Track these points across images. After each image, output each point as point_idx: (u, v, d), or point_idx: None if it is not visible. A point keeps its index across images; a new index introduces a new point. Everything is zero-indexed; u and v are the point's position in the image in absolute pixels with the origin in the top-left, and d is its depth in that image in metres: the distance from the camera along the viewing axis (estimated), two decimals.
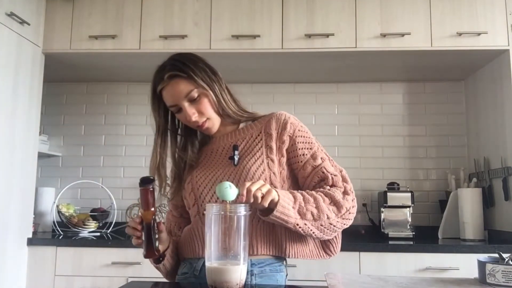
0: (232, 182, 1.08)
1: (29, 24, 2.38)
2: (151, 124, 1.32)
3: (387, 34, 2.40)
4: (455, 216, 2.58)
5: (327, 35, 2.42)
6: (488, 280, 1.06)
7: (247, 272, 1.16)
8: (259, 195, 1.04)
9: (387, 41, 2.42)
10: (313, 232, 1.15)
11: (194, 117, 1.24)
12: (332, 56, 2.52)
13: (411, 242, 2.39)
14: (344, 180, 1.24)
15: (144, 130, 2.97)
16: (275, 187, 1.20)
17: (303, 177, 1.25)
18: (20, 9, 2.32)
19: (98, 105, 3.08)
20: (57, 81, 3.03)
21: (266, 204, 1.06)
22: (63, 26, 2.53)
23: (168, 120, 1.32)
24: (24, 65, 2.38)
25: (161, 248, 1.21)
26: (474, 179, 2.60)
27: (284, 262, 1.28)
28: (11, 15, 2.25)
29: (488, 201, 2.54)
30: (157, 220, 1.16)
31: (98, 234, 2.67)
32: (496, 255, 1.11)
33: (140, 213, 1.13)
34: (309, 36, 2.43)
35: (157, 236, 1.16)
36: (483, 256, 1.14)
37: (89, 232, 2.70)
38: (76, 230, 2.69)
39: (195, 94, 1.23)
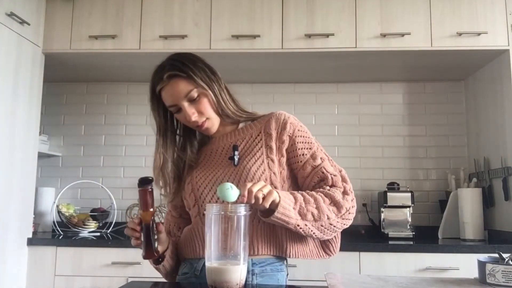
0: (233, 182, 1.08)
1: (29, 24, 2.38)
2: (151, 124, 1.32)
3: (387, 34, 2.40)
4: (455, 216, 2.58)
5: (327, 35, 2.42)
6: (488, 280, 1.06)
7: (248, 271, 1.17)
8: (260, 196, 1.04)
9: (387, 41, 2.42)
10: (314, 233, 1.15)
11: (194, 117, 1.24)
12: (332, 56, 2.52)
13: (411, 242, 2.39)
14: (343, 180, 1.24)
15: (144, 130, 2.97)
16: (275, 187, 1.20)
17: (303, 177, 1.25)
18: (20, 9, 2.32)
19: (98, 105, 3.08)
20: (57, 81, 3.03)
21: (267, 205, 1.06)
22: (63, 26, 2.53)
23: (168, 120, 1.32)
24: (24, 65, 2.38)
25: (160, 249, 1.20)
26: (474, 179, 2.60)
27: (285, 261, 1.28)
28: (11, 15, 2.25)
29: (488, 201, 2.54)
30: (157, 221, 1.16)
31: (98, 234, 2.67)
32: (496, 255, 1.11)
33: (139, 214, 1.13)
34: (309, 36, 2.43)
35: (156, 236, 1.15)
36: (483, 256, 1.13)
37: (89, 232, 2.70)
38: (76, 230, 2.69)
39: (194, 94, 1.22)
